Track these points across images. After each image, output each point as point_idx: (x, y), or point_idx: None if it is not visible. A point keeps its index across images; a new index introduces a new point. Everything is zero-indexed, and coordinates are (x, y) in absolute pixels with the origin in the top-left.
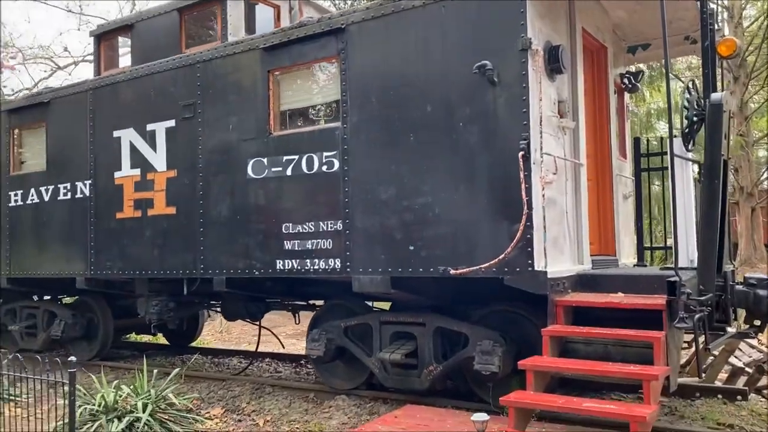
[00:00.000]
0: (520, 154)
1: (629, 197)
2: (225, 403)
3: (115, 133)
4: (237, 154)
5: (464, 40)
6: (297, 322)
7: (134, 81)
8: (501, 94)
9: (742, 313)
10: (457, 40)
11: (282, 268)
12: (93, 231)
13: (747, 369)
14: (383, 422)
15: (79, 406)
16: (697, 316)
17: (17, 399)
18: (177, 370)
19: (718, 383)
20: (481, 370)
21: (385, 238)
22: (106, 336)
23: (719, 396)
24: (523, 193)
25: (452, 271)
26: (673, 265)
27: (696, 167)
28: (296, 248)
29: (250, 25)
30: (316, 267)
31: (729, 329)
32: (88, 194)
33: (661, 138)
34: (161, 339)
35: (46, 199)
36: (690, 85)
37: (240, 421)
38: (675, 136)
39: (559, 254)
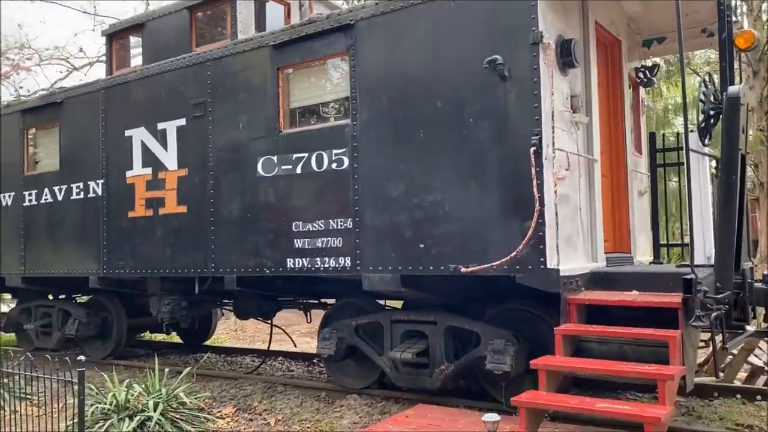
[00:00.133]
0: (532, 149)
1: (645, 193)
2: (237, 402)
3: (127, 133)
4: (247, 153)
5: (474, 34)
6: (309, 320)
7: (145, 80)
8: (512, 88)
9: (761, 311)
10: (467, 35)
11: (292, 266)
12: (105, 230)
13: (767, 368)
14: (394, 422)
15: (91, 405)
16: (714, 314)
17: (32, 397)
18: (188, 369)
19: (737, 383)
20: (493, 370)
21: (395, 235)
22: (119, 335)
23: (738, 396)
24: (535, 190)
25: (463, 269)
26: (689, 263)
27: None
28: (306, 246)
29: (260, 22)
30: (326, 265)
31: (748, 328)
32: (100, 193)
33: (677, 133)
34: (175, 338)
35: (60, 198)
36: (706, 79)
37: (251, 420)
38: (691, 131)
39: (572, 252)
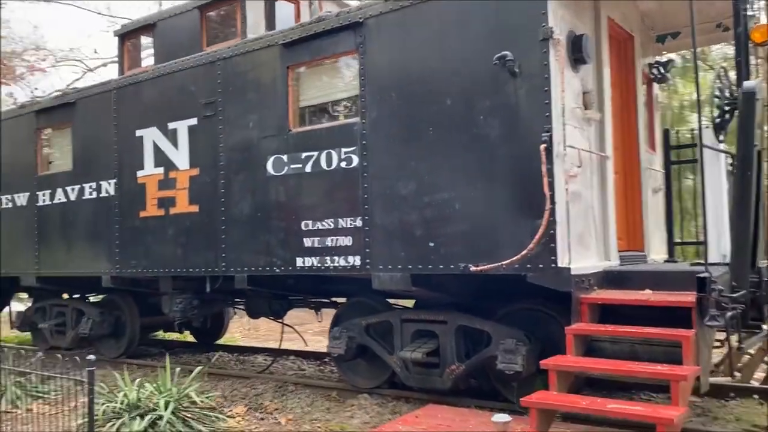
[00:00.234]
0: (543, 146)
1: (659, 191)
2: (248, 402)
3: (138, 132)
4: (257, 152)
5: (484, 30)
6: (319, 320)
7: (156, 80)
8: (522, 85)
9: None
10: (476, 31)
11: (302, 265)
12: (118, 230)
13: None
14: (404, 422)
15: (102, 404)
16: (729, 313)
17: (46, 396)
18: (200, 368)
19: (754, 383)
20: (505, 370)
21: (405, 234)
22: (132, 334)
23: (755, 396)
24: (546, 188)
25: (473, 268)
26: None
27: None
28: (316, 245)
29: (270, 21)
30: (335, 264)
31: (764, 327)
32: (112, 193)
33: (692, 130)
34: (188, 337)
35: (73, 198)
36: (721, 73)
37: (262, 419)
38: (707, 127)
39: (584, 250)
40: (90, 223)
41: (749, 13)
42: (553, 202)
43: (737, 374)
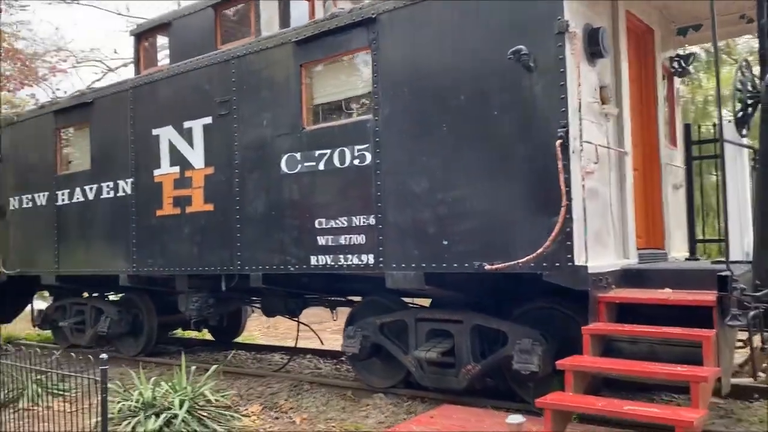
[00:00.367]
0: (558, 142)
1: (680, 187)
2: (263, 400)
3: (155, 131)
4: (271, 150)
5: (498, 24)
6: (335, 318)
7: (171, 79)
8: (537, 80)
9: None
10: (490, 25)
11: (316, 263)
12: (135, 228)
13: None
14: (418, 422)
15: (117, 402)
16: (751, 313)
17: (65, 394)
18: (215, 367)
19: None
20: (520, 370)
21: (418, 232)
22: (150, 332)
23: None
24: (562, 184)
25: (487, 267)
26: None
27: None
28: (330, 244)
29: (284, 19)
30: (349, 262)
31: None
32: (129, 192)
33: (715, 124)
34: (207, 335)
35: (91, 197)
36: (743, 65)
37: (277, 418)
38: (729, 121)
39: (601, 248)
40: (107, 222)
41: None
42: (569, 199)
43: (761, 375)
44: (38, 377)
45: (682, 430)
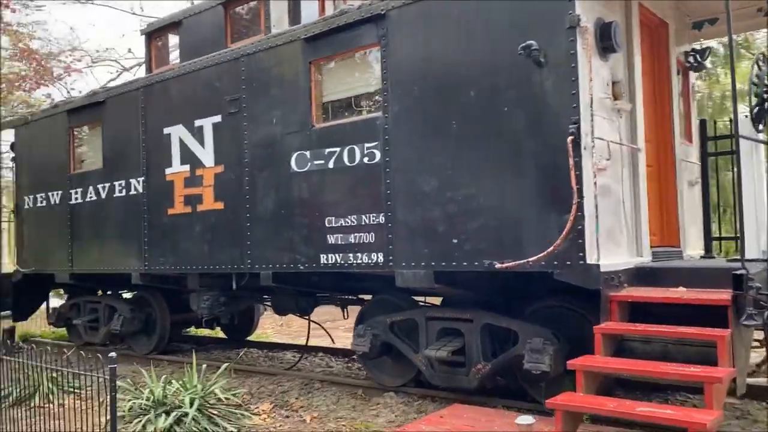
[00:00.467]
0: (570, 139)
1: (696, 184)
2: (274, 399)
3: (165, 130)
4: (281, 148)
5: (508, 19)
6: (345, 316)
7: (181, 77)
8: (548, 75)
9: None
10: (500, 20)
11: (326, 262)
12: (146, 227)
13: None
14: (428, 422)
15: (128, 401)
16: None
17: (79, 392)
18: (225, 365)
19: None
20: (531, 370)
21: (428, 230)
22: (163, 330)
23: None
24: (573, 181)
25: (498, 265)
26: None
27: None
28: (339, 242)
29: (294, 16)
30: (359, 261)
31: None
32: (141, 191)
33: (730, 120)
34: (220, 333)
35: (103, 196)
36: (760, 60)
37: (287, 417)
38: (746, 116)
39: (614, 246)
40: (120, 220)
41: None
42: (580, 197)
43: None
44: (52, 375)
45: None
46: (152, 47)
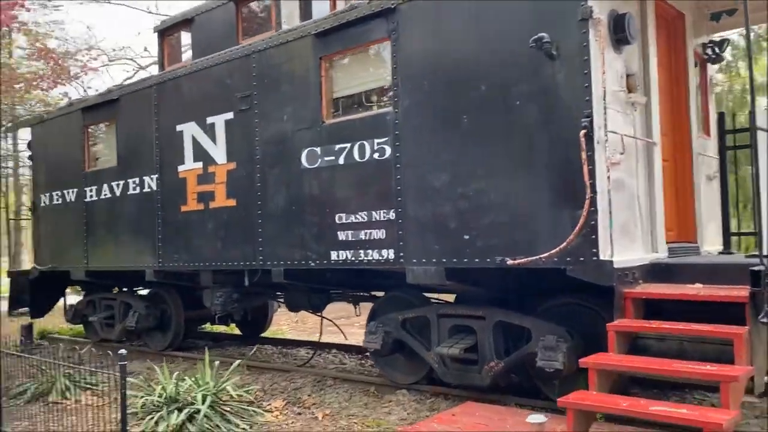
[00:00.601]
0: (582, 132)
1: (714, 178)
2: (287, 395)
3: (178, 127)
4: (291, 145)
5: (519, 12)
6: (357, 313)
7: (193, 75)
8: (560, 68)
9: None
10: (511, 13)
11: (337, 259)
12: (160, 224)
13: None
14: (440, 420)
15: (141, 397)
16: None
17: (94, 388)
18: (238, 362)
19: None
20: (545, 368)
21: (439, 227)
22: (178, 327)
23: None
24: (586, 176)
25: (509, 261)
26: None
27: None
28: (350, 239)
29: (305, 12)
30: (369, 258)
31: None
32: (155, 188)
33: (750, 113)
34: (235, 329)
35: (118, 194)
36: None
37: (299, 414)
38: (765, 109)
39: (628, 242)
40: (134, 218)
41: None
42: (594, 191)
43: None
44: (67, 371)
45: None
46: (165, 45)
